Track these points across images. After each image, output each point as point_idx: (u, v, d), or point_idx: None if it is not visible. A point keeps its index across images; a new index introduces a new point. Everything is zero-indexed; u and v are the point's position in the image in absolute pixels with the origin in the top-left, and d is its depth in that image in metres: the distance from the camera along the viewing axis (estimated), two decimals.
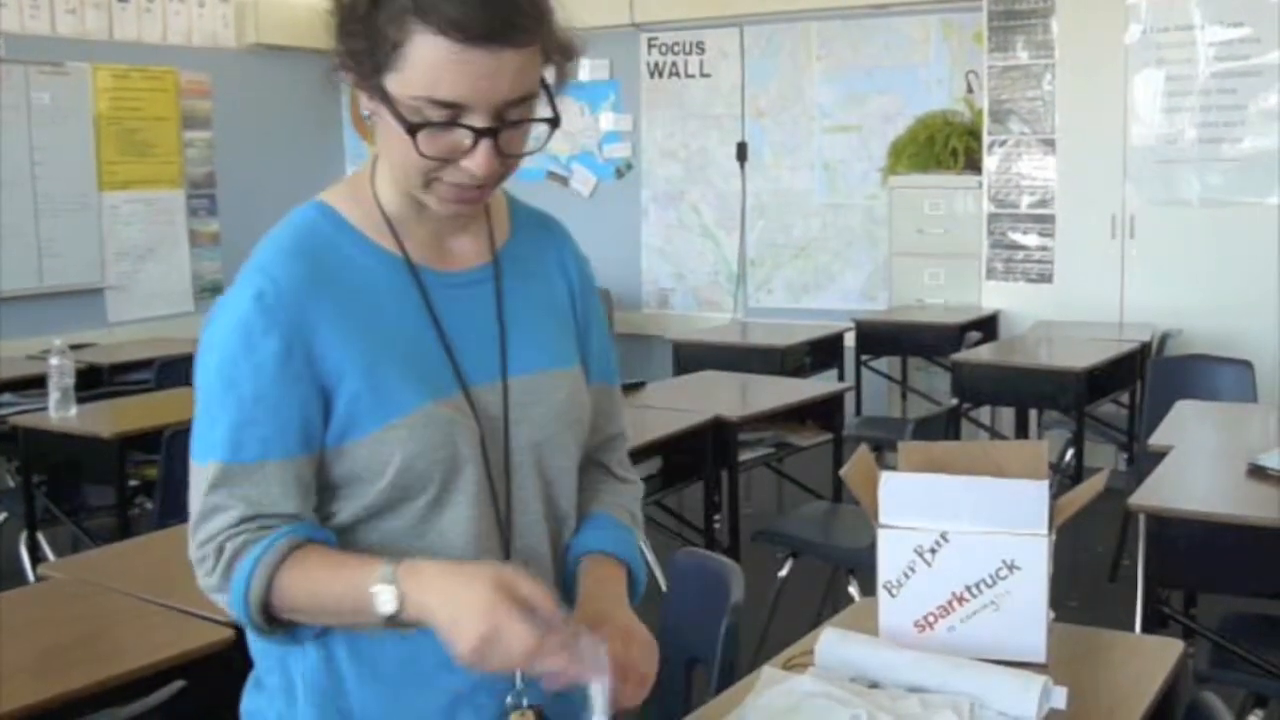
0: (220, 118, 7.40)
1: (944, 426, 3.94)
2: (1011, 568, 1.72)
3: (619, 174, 7.80)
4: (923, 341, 6.00)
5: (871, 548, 1.82)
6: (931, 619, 1.76)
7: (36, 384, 4.46)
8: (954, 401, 4.62)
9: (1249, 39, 5.58)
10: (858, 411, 5.93)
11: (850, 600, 3.41)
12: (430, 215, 1.30)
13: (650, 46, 7.61)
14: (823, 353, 5.84)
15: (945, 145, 6.45)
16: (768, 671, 1.70)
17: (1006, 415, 5.66)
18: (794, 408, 4.22)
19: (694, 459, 3.85)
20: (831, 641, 1.71)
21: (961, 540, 1.73)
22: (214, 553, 1.23)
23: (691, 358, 5.40)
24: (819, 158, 7.18)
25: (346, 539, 1.28)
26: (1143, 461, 3.65)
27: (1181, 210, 5.80)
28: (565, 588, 1.38)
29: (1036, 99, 6.09)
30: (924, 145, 6.52)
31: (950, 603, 1.75)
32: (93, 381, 4.88)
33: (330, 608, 1.23)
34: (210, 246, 7.38)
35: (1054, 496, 1.73)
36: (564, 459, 1.38)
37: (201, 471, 1.24)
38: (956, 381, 4.97)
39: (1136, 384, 5.26)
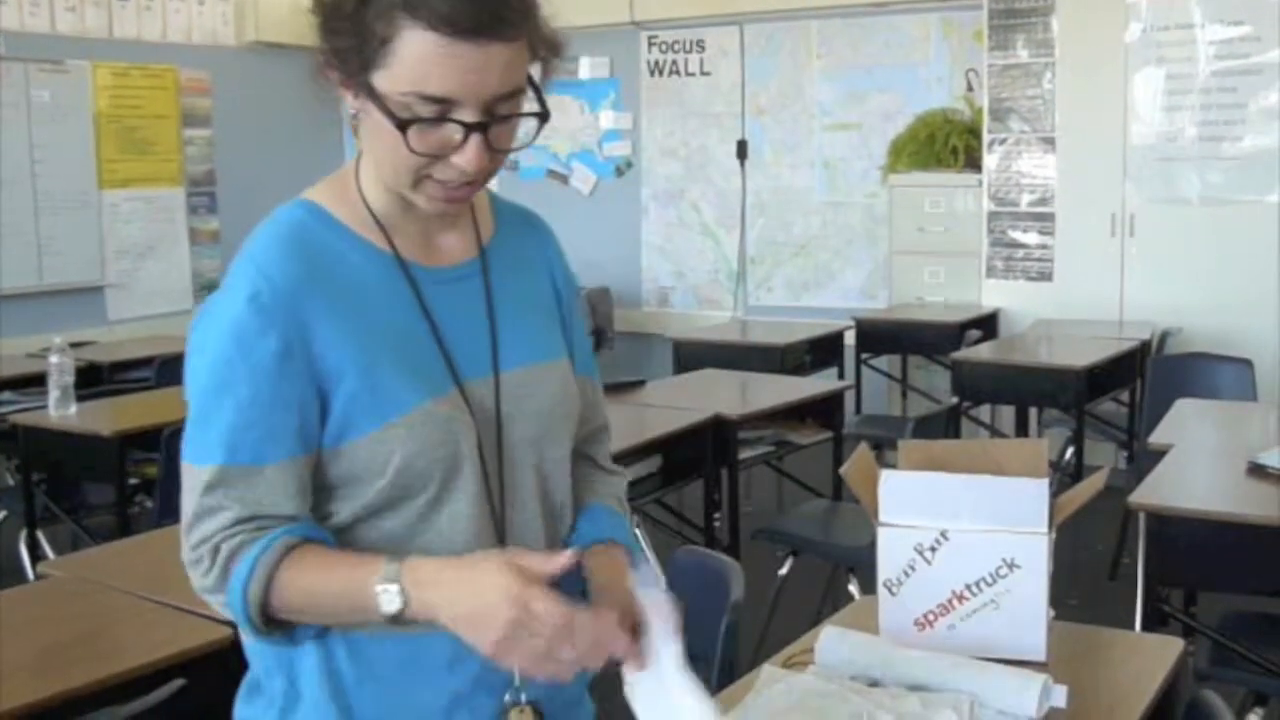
0: (220, 116, 7.40)
1: (944, 425, 3.94)
2: (1011, 566, 1.72)
3: (619, 172, 7.80)
4: (923, 340, 6.00)
5: (871, 546, 1.82)
6: (932, 617, 1.76)
7: (36, 382, 4.46)
8: (954, 400, 4.63)
9: (1249, 37, 5.58)
10: (858, 410, 5.93)
11: (850, 599, 3.41)
12: (418, 213, 1.30)
13: (650, 45, 7.61)
14: (823, 351, 5.84)
15: (945, 143, 6.45)
16: (768, 670, 1.70)
17: (1006, 414, 5.66)
18: (794, 406, 4.22)
19: (694, 457, 3.85)
20: (831, 640, 1.71)
21: (961, 539, 1.73)
22: (210, 554, 1.22)
23: (691, 356, 5.41)
24: (819, 156, 7.18)
25: (345, 539, 1.27)
26: (1143, 460, 3.65)
27: (1181, 208, 5.80)
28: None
29: (1036, 97, 6.09)
30: (924, 143, 6.51)
31: (950, 601, 1.75)
32: (92, 380, 4.87)
33: (331, 607, 1.22)
34: (210, 244, 7.38)
35: (1054, 495, 1.73)
36: (558, 450, 1.39)
37: (196, 473, 1.23)
38: (956, 380, 4.98)
39: (1136, 382, 5.26)
